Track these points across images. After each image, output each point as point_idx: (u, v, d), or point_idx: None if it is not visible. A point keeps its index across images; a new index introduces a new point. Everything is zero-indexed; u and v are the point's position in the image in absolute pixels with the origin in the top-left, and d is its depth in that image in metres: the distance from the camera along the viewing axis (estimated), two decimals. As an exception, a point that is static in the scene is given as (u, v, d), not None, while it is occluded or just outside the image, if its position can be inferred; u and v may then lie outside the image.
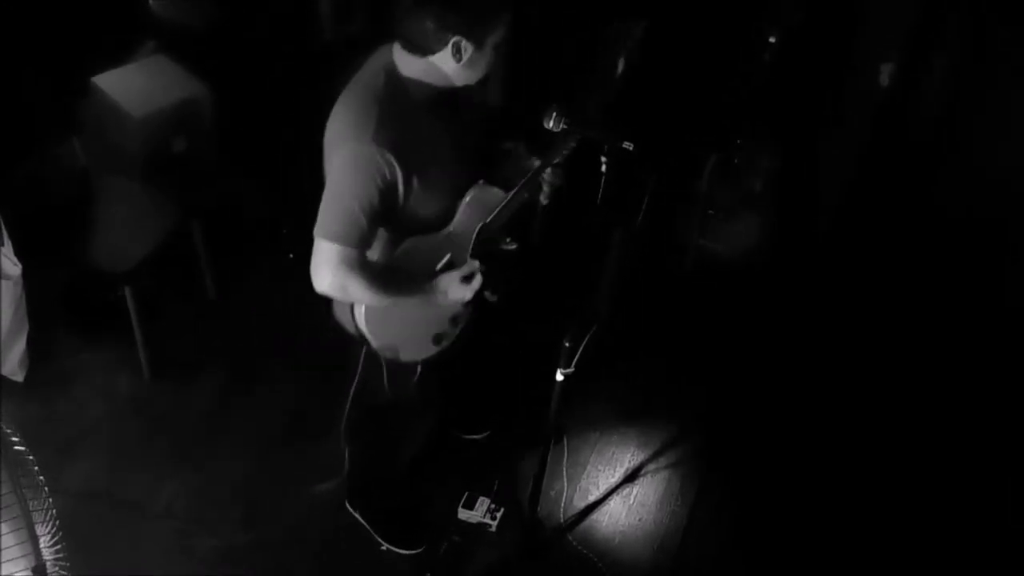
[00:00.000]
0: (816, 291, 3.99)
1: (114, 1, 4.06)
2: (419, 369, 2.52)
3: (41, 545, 2.08)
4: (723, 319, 3.89)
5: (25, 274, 3.15)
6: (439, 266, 2.35)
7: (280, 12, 4.29)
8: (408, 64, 2.14)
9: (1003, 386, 3.68)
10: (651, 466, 3.38)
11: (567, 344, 2.41)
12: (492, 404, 3.41)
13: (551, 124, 2.27)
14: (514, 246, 2.51)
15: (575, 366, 2.45)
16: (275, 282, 3.60)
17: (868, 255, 4.08)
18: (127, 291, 3.25)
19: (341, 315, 2.40)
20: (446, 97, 2.21)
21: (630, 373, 3.63)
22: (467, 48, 2.07)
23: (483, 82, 2.25)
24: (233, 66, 4.06)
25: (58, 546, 2.11)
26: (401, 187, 2.14)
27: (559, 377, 2.48)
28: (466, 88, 2.21)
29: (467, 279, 2.34)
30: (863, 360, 3.77)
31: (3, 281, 3.09)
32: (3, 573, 2.02)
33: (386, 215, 2.17)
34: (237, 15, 4.19)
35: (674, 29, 4.11)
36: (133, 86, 3.75)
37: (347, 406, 2.74)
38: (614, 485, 3.31)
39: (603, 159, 2.30)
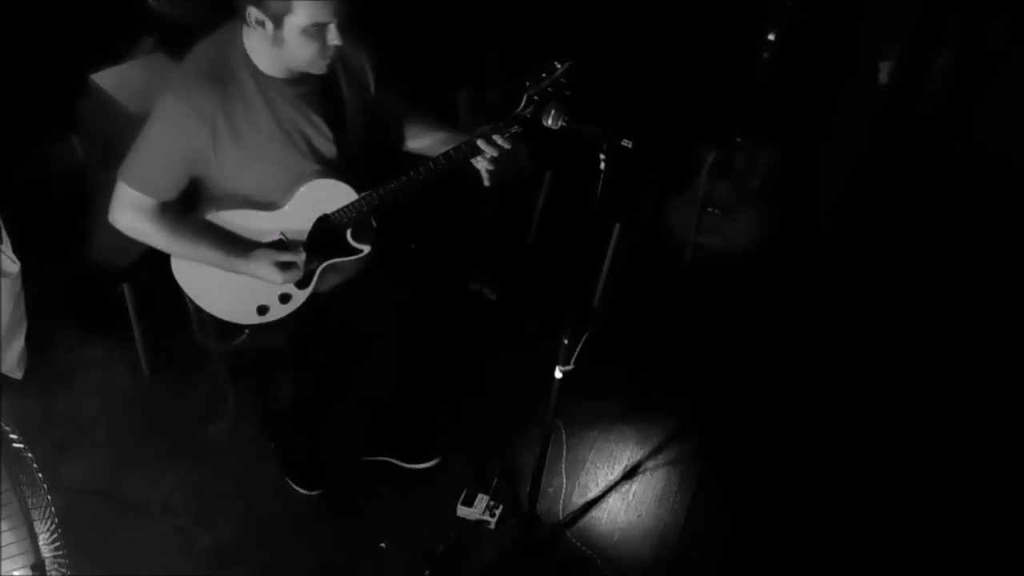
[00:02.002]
0: (816, 288, 3.99)
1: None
2: (245, 332, 2.52)
3: (40, 543, 2.07)
4: (722, 316, 3.89)
5: (24, 271, 3.15)
6: (267, 241, 2.34)
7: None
8: (245, 35, 2.14)
9: (1004, 384, 3.67)
10: (650, 463, 3.38)
11: (566, 341, 2.40)
12: (428, 430, 3.33)
13: (550, 121, 2.25)
14: (365, 248, 2.47)
15: (574, 363, 2.44)
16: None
17: (868, 252, 4.07)
18: (126, 288, 3.24)
19: None
20: (299, 83, 2.19)
21: (629, 370, 3.62)
22: (267, 23, 2.04)
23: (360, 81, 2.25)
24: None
25: (57, 543, 2.10)
26: (210, 149, 2.14)
27: (558, 374, 2.48)
28: (328, 81, 2.21)
29: (285, 266, 2.33)
30: (863, 357, 3.76)
31: (2, 279, 3.09)
32: (2, 571, 2.02)
33: (193, 175, 2.20)
34: (234, 12, 4.17)
35: (674, 27, 4.11)
36: (132, 83, 3.74)
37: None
38: (613, 482, 3.31)
39: (602, 156, 2.30)
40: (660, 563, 3.10)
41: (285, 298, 2.47)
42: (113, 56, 3.89)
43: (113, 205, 2.23)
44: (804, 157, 4.11)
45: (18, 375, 3.31)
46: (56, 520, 2.12)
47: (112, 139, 3.74)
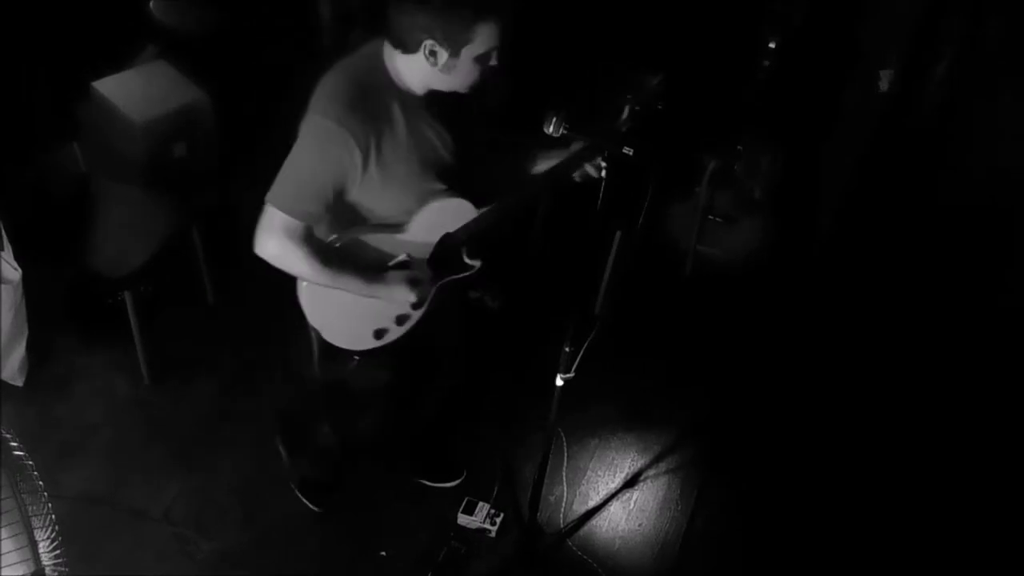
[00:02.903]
0: (816, 296, 3.99)
1: (114, 6, 4.07)
2: (355, 359, 2.51)
3: (40, 550, 2.08)
4: (723, 324, 3.89)
5: (25, 279, 3.15)
6: (392, 263, 2.35)
7: (280, 18, 4.29)
8: (393, 58, 2.14)
9: (1008, 391, 3.67)
10: (651, 471, 3.38)
11: (567, 349, 2.40)
12: (458, 450, 3.34)
13: (551, 129, 2.26)
14: (476, 264, 2.48)
15: (575, 371, 2.44)
16: (272, 287, 3.60)
17: (869, 259, 4.07)
18: (127, 295, 3.24)
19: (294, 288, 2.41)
20: (432, 101, 2.21)
21: (630, 378, 3.62)
22: (441, 53, 2.07)
23: (482, 96, 2.24)
24: (233, 71, 4.07)
25: (57, 551, 2.11)
26: (359, 173, 2.14)
27: (559, 382, 2.48)
28: (458, 96, 2.20)
29: (415, 283, 2.34)
30: (864, 365, 3.77)
31: (3, 286, 3.09)
32: (2, 578, 2.02)
33: (341, 198, 2.19)
34: (237, 20, 4.19)
35: (675, 36, 4.12)
36: (133, 91, 3.76)
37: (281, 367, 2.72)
38: (614, 490, 3.31)
39: (603, 164, 2.31)
40: (661, 572, 3.10)
41: (402, 319, 2.46)
42: (115, 64, 3.90)
43: (262, 233, 2.17)
44: (805, 164, 4.12)
45: (19, 382, 3.31)
46: (56, 528, 2.13)
47: (113, 147, 3.75)
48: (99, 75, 3.78)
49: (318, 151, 2.12)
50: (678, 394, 3.62)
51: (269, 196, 2.15)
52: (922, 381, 3.72)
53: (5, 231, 3.12)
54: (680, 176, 4.00)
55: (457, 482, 3.23)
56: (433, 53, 2.06)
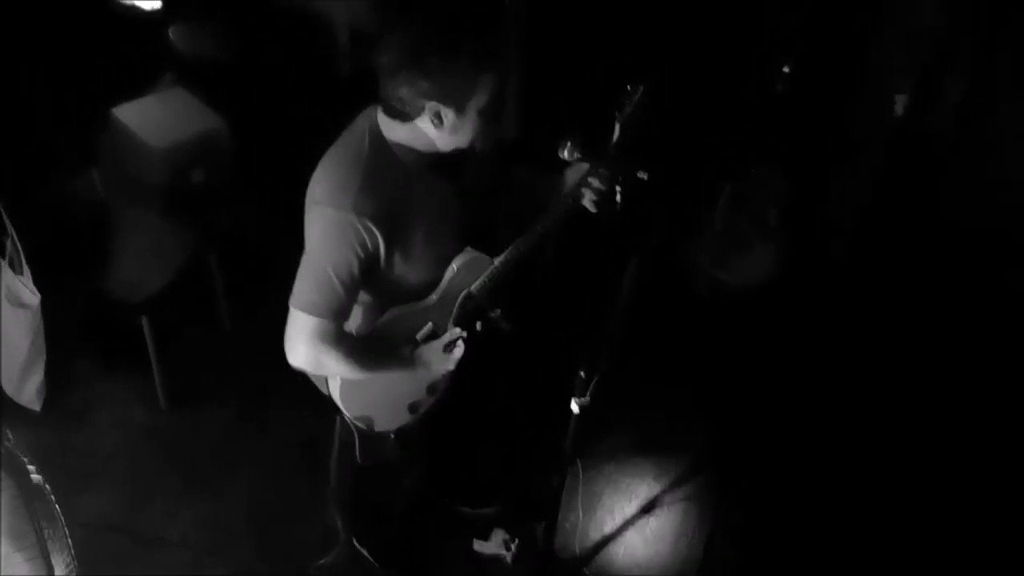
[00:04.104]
0: (831, 319, 3.97)
1: (133, 33, 4.12)
2: (392, 437, 2.46)
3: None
4: (738, 350, 3.88)
5: (43, 304, 3.17)
6: (420, 335, 2.29)
7: (298, 46, 4.34)
8: (391, 129, 2.06)
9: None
10: (667, 498, 3.36)
11: (582, 374, 2.40)
12: (497, 475, 3.33)
13: (565, 154, 2.27)
14: (498, 313, 2.44)
15: (591, 396, 2.44)
16: (287, 312, 3.62)
17: (883, 283, 4.06)
18: (144, 321, 3.26)
19: (316, 379, 2.36)
20: (435, 161, 2.12)
21: (645, 403, 3.61)
22: (447, 114, 1.98)
23: (479, 145, 2.16)
24: (250, 98, 4.10)
25: (74, 576, 2.11)
26: (382, 256, 2.07)
27: (574, 407, 2.48)
28: (458, 151, 2.12)
29: (449, 348, 2.29)
30: (880, 389, 3.74)
31: (22, 311, 3.12)
32: (19, 604, 2.02)
33: (365, 284, 2.11)
34: (255, 48, 4.24)
35: (689, 59, 4.13)
36: (152, 118, 3.79)
37: (332, 473, 2.70)
38: (630, 517, 3.29)
39: (617, 188, 2.31)
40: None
41: (433, 388, 2.44)
42: (134, 90, 3.94)
43: (293, 340, 2.08)
44: (817, 187, 4.11)
45: (37, 407, 3.33)
46: (73, 554, 2.13)
47: (131, 172, 3.78)
48: (118, 101, 3.82)
49: (337, 245, 2.02)
50: (694, 419, 3.61)
51: (293, 300, 2.06)
52: (940, 405, 3.69)
53: (24, 256, 3.14)
54: (695, 200, 4.01)
55: (497, 508, 3.19)
56: (438, 116, 1.98)
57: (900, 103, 3.75)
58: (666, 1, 4.20)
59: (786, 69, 3.60)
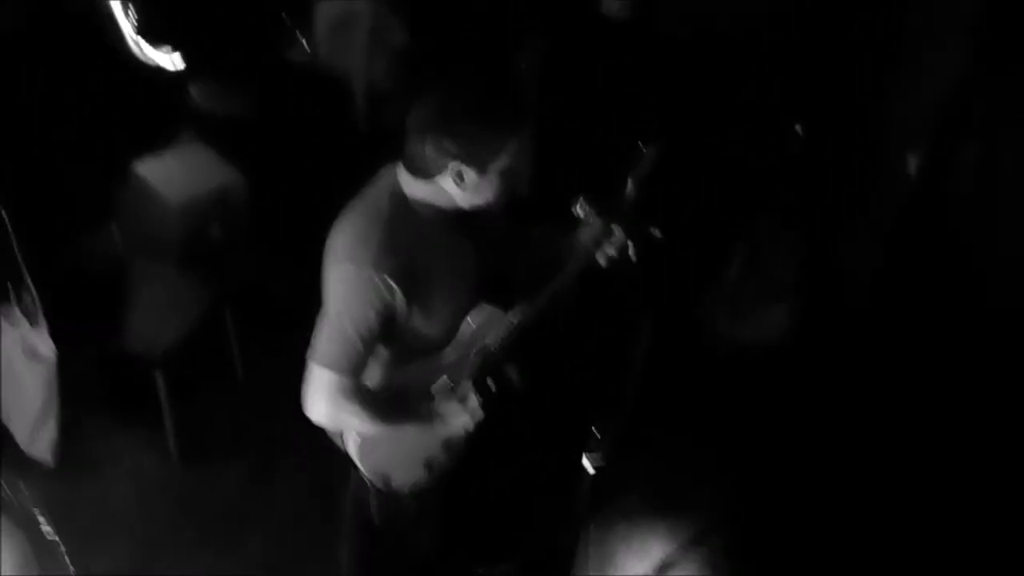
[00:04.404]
0: (847, 377, 3.95)
1: (155, 91, 4.19)
2: (408, 493, 2.44)
3: (67, 632, 2.07)
4: (754, 409, 3.85)
5: (59, 357, 3.18)
6: (435, 388, 2.29)
7: (315, 103, 4.40)
8: (412, 186, 2.09)
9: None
10: (680, 559, 3.31)
11: (596, 431, 2.39)
12: (512, 533, 3.30)
13: (579, 212, 2.28)
14: (514, 370, 2.43)
15: (604, 454, 2.42)
16: (302, 366, 3.63)
17: (898, 344, 4.04)
18: (159, 374, 3.27)
19: (334, 434, 2.35)
20: (454, 217, 2.15)
21: (659, 462, 3.58)
22: (469, 173, 2.02)
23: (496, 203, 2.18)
24: (268, 155, 4.16)
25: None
26: (401, 311, 2.09)
27: (587, 466, 2.46)
28: (476, 209, 2.15)
29: (465, 403, 2.27)
30: (897, 448, 3.71)
31: (37, 364, 3.13)
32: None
33: (384, 339, 2.12)
34: (274, 104, 4.30)
35: (702, 118, 4.18)
36: (171, 173, 3.83)
37: (346, 530, 2.69)
38: (642, 577, 3.26)
39: (631, 246, 2.32)
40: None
41: (448, 445, 2.42)
42: (154, 146, 4.00)
43: (312, 395, 2.10)
44: (831, 246, 4.11)
45: (49, 461, 3.33)
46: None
47: (150, 226, 3.82)
48: (139, 157, 3.86)
49: (357, 301, 2.04)
50: (707, 478, 3.58)
51: (312, 355, 2.08)
52: (958, 464, 3.65)
53: (42, 309, 3.17)
54: (709, 257, 4.02)
55: (512, 566, 3.16)
56: (460, 175, 2.01)
57: (912, 163, 3.77)
58: (678, 62, 4.26)
59: (799, 129, 3.62)
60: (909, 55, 3.80)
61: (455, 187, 2.05)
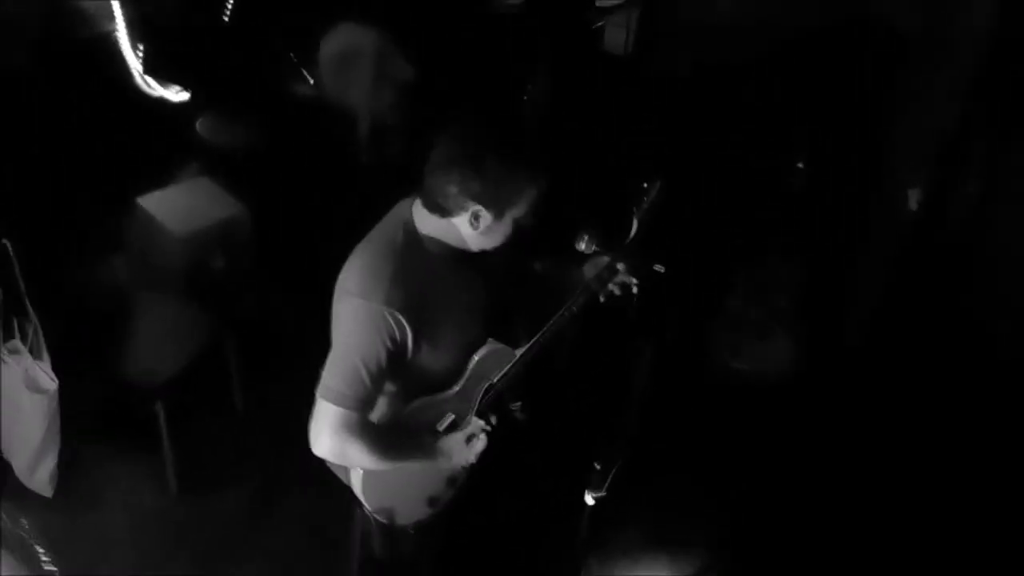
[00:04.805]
0: (851, 410, 3.94)
1: (160, 123, 4.23)
2: (411, 530, 2.43)
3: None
4: (756, 442, 3.83)
5: (61, 390, 3.18)
6: (442, 427, 2.29)
7: (320, 137, 4.43)
8: (426, 221, 2.11)
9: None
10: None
11: (597, 466, 2.38)
12: (515, 568, 3.28)
13: (583, 247, 2.30)
14: (518, 408, 2.44)
15: (606, 489, 2.41)
16: (302, 397, 3.62)
17: (897, 375, 4.03)
18: (159, 405, 3.27)
19: (337, 470, 2.36)
20: (462, 254, 2.16)
21: (661, 496, 3.55)
22: (486, 217, 2.03)
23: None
24: (273, 187, 4.18)
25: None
26: (410, 347, 2.08)
27: (589, 501, 2.45)
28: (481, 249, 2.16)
29: (470, 440, 2.28)
30: (900, 489, 3.68)
31: (39, 396, 3.13)
32: None
33: (392, 375, 2.12)
34: (280, 137, 4.33)
35: (704, 154, 4.20)
36: (175, 206, 3.85)
37: (349, 566, 2.66)
38: (643, 614, 3.22)
39: (634, 281, 2.33)
40: None
41: (452, 481, 2.41)
42: (159, 179, 4.02)
43: (317, 431, 2.10)
44: (835, 277, 4.12)
45: (48, 493, 3.32)
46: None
47: (153, 259, 3.84)
48: (144, 190, 3.89)
49: (367, 336, 2.04)
50: (709, 514, 3.55)
51: (321, 391, 2.08)
52: (962, 498, 3.62)
53: (45, 342, 3.17)
54: (710, 289, 4.03)
55: None
56: (477, 217, 2.03)
57: (913, 197, 3.78)
58: (679, 98, 4.30)
59: (800, 164, 3.65)
60: (910, 92, 3.84)
61: (469, 228, 2.06)
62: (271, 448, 3.58)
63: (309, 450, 2.14)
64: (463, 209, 2.02)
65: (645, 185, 2.29)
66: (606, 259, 2.33)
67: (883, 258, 4.01)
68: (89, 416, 3.54)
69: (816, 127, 3.81)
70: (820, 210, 3.91)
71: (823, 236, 4.03)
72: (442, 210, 2.05)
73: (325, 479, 3.35)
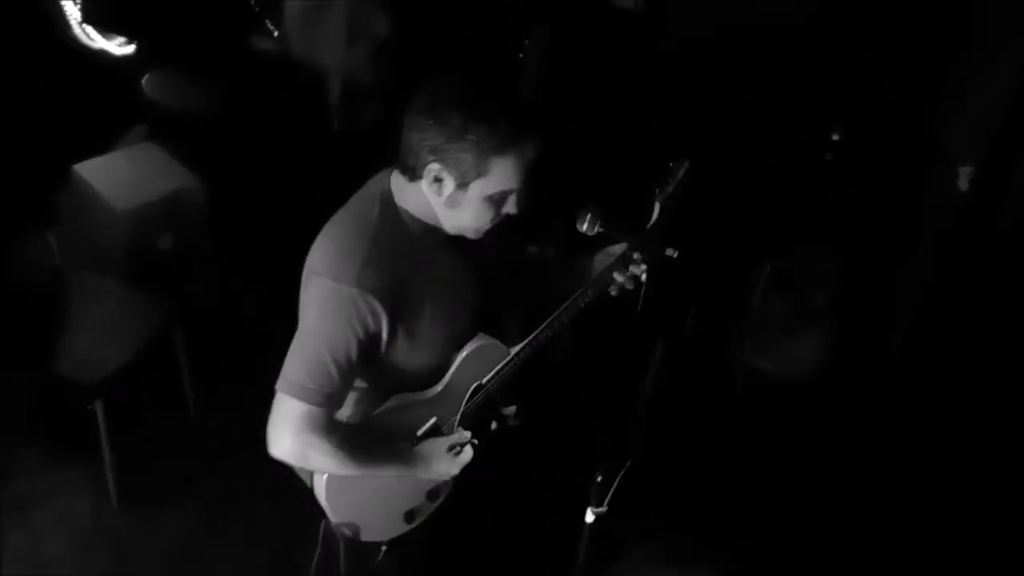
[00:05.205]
0: (886, 423, 3.94)
1: (101, 80, 4.19)
2: (383, 549, 2.40)
3: None
4: (778, 452, 3.84)
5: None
6: (421, 431, 2.26)
7: (285, 98, 4.40)
8: (403, 192, 2.08)
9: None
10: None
11: (599, 479, 2.37)
12: None
13: (585, 227, 2.27)
14: (513, 413, 2.42)
15: (608, 505, 2.40)
16: (263, 399, 3.60)
17: (948, 381, 4.03)
18: (98, 405, 3.24)
19: (303, 474, 2.32)
20: (450, 236, 2.14)
21: (671, 513, 3.55)
22: (447, 183, 1.98)
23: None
24: (230, 155, 4.15)
25: None
26: (385, 337, 2.07)
27: (590, 518, 2.44)
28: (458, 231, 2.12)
29: (455, 449, 2.26)
30: (939, 505, 3.70)
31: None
32: None
33: (363, 369, 2.10)
34: (239, 97, 4.30)
35: (728, 121, 4.18)
36: (118, 175, 3.83)
37: None
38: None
39: (642, 267, 2.31)
40: None
41: (434, 494, 2.40)
42: (99, 145, 3.99)
43: (276, 428, 2.07)
44: (873, 269, 4.11)
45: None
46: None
47: (92, 236, 3.81)
48: (81, 157, 3.85)
49: (337, 322, 2.02)
50: (726, 532, 3.55)
51: (281, 384, 2.05)
52: (1007, 516, 3.64)
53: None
54: (731, 280, 4.02)
55: None
56: (438, 180, 1.99)
57: (964, 176, 3.77)
58: (697, 62, 4.27)
59: (835, 136, 3.62)
60: (965, 53, 3.81)
61: (435, 196, 2.02)
62: (226, 455, 3.56)
63: (270, 457, 2.11)
64: (425, 167, 1.98)
65: (671, 164, 2.26)
66: (620, 247, 2.31)
67: (929, 246, 4.00)
68: (17, 417, 3.52)
69: (855, 94, 3.79)
70: (857, 187, 3.90)
71: (861, 216, 4.01)
72: (407, 169, 2.02)
73: (289, 490, 3.35)
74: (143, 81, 4.25)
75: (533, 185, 2.04)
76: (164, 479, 3.50)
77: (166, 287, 3.61)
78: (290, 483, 2.35)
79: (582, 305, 2.31)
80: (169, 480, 3.50)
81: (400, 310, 2.06)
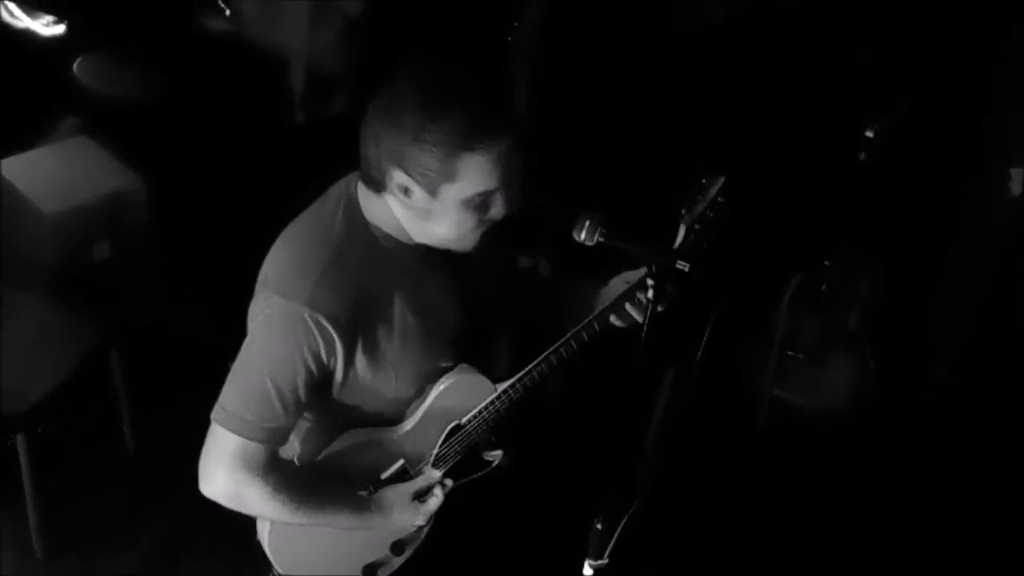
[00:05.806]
0: (928, 468, 3.96)
1: (26, 66, 4.19)
2: None
3: None
4: (804, 496, 3.86)
5: None
6: (385, 475, 2.26)
7: (242, 84, 4.41)
8: (369, 202, 2.07)
9: None
10: None
11: (599, 526, 2.38)
12: None
13: (583, 236, 2.26)
14: (498, 458, 2.42)
15: (609, 557, 2.42)
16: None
17: (1000, 421, 4.04)
18: (19, 440, 3.24)
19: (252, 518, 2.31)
20: (427, 252, 2.12)
21: (684, 566, 3.58)
22: (416, 192, 1.95)
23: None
24: (175, 152, 4.16)
25: None
26: (340, 367, 2.05)
27: (587, 572, 2.45)
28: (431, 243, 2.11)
29: (421, 497, 2.26)
30: (986, 552, 3.71)
31: None
32: None
33: (314, 402, 2.08)
34: (185, 85, 4.30)
35: (750, 117, 4.21)
36: (46, 174, 3.84)
37: None
38: None
39: (649, 282, 2.32)
40: None
41: (399, 547, 2.39)
42: (23, 139, 3.99)
43: (209, 464, 2.05)
44: (914, 288, 4.13)
45: None
46: None
47: (15, 243, 3.81)
48: (3, 153, 3.86)
49: (284, 347, 1.99)
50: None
51: (217, 413, 2.03)
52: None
53: None
54: (751, 298, 4.03)
55: None
56: (406, 191, 1.96)
57: (1018, 179, 3.79)
58: (705, 49, 4.31)
59: (869, 133, 3.63)
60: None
61: (402, 209, 2.02)
62: (168, 498, 3.56)
63: (216, 504, 2.11)
64: (385, 175, 1.96)
65: (703, 180, 2.25)
66: (639, 273, 2.31)
67: (978, 260, 4.02)
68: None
69: (892, 86, 3.81)
70: (894, 193, 3.92)
71: (901, 230, 4.04)
72: (371, 181, 2.01)
73: (240, 537, 3.36)
74: (75, 66, 4.26)
75: (524, 184, 2.04)
76: (96, 526, 3.50)
77: (102, 303, 3.62)
78: (243, 529, 2.35)
79: (586, 339, 2.31)
80: (102, 527, 3.51)
81: (361, 336, 2.05)
